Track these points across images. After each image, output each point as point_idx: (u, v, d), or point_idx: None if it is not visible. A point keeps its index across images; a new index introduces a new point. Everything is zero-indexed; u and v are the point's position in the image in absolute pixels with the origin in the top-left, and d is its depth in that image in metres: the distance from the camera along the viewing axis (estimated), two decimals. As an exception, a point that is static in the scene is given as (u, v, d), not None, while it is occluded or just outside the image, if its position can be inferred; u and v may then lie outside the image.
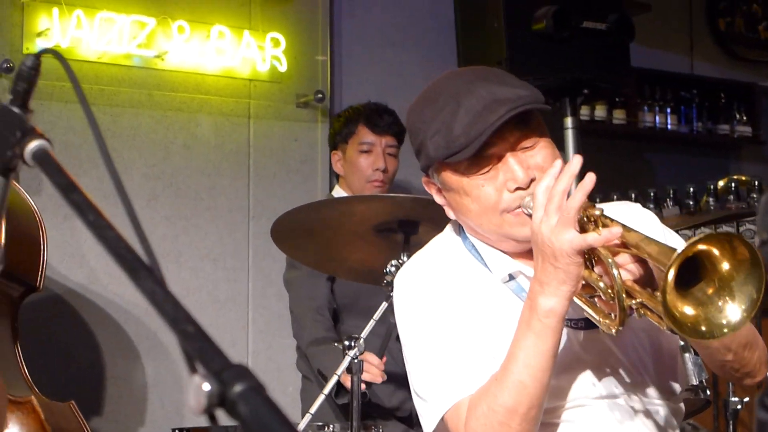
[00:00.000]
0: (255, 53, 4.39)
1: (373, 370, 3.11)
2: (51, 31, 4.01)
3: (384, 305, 2.87)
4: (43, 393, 2.99)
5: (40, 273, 2.95)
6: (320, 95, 4.50)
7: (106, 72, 4.12)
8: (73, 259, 4.02)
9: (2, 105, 1.36)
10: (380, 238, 2.94)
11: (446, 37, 4.83)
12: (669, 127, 5.67)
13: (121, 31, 4.13)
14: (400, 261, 2.85)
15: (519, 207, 1.88)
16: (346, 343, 2.84)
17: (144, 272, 1.10)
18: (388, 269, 2.85)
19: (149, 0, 4.23)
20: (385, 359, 3.17)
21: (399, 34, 4.82)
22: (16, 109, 1.36)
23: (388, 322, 2.90)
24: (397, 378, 3.59)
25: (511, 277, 1.96)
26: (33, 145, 1.31)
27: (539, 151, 1.91)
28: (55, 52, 1.38)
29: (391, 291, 2.84)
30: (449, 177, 1.94)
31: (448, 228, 2.11)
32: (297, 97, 4.52)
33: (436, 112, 1.91)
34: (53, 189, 3.61)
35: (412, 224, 2.88)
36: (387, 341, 3.15)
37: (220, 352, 0.99)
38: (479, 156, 1.88)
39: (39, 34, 4.01)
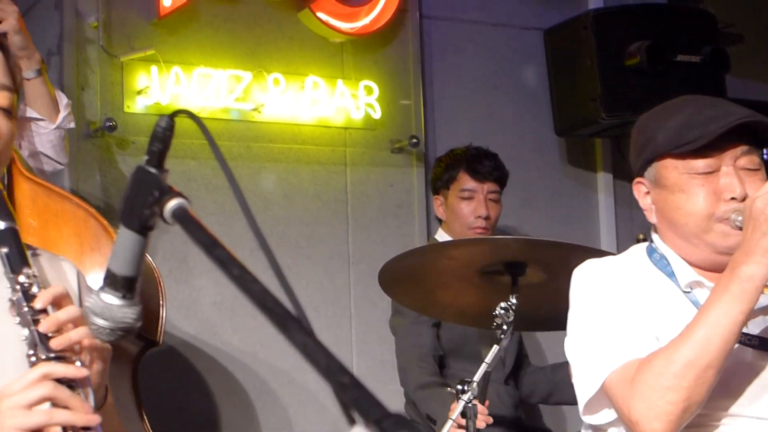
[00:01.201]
0: (349, 102, 4.44)
1: (482, 417, 3.10)
2: (150, 88, 4.10)
3: (495, 348, 2.86)
4: (161, 445, 3.04)
5: (159, 328, 3.01)
6: (415, 140, 4.53)
7: (211, 127, 4.19)
8: (179, 311, 4.08)
9: (139, 166, 1.41)
10: (487, 280, 2.93)
11: (538, 77, 4.85)
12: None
13: (219, 86, 4.20)
14: (509, 303, 2.84)
15: (728, 219, 1.99)
16: (459, 387, 2.83)
17: (293, 324, 1.12)
18: (497, 311, 2.84)
19: (245, 54, 4.31)
20: (487, 403, 3.16)
21: (490, 77, 4.84)
22: (152, 169, 1.40)
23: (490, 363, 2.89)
24: (497, 421, 3.57)
25: (691, 288, 2.05)
26: (172, 203, 1.34)
27: (758, 181, 2.03)
28: (188, 113, 1.42)
29: (501, 334, 2.85)
30: (669, 171, 2.05)
31: (635, 245, 2.22)
32: (392, 143, 4.56)
33: (674, 113, 2.05)
34: (161, 243, 3.67)
35: (519, 266, 2.87)
36: (486, 384, 3.13)
37: (377, 401, 1.01)
38: (706, 154, 2.01)
39: (139, 92, 4.10)
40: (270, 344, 4.18)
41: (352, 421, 1.00)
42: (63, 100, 3.29)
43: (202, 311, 4.14)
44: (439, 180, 3.90)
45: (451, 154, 3.93)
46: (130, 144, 4.09)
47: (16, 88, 1.77)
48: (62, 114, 3.25)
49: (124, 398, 2.90)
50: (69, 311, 1.59)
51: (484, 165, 3.83)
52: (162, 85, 4.11)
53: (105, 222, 2.95)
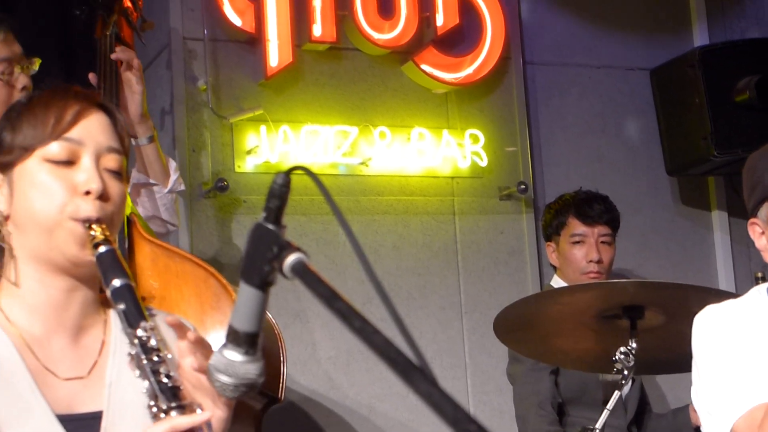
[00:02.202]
0: (455, 151, 4.44)
1: None
2: (260, 147, 4.16)
3: (616, 394, 2.81)
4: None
5: (281, 384, 3.04)
6: (523, 186, 4.51)
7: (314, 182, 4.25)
8: (297, 367, 4.10)
9: (257, 223, 1.43)
10: (605, 325, 2.90)
11: (647, 118, 4.80)
12: None
13: (326, 142, 4.25)
14: (629, 347, 2.79)
15: None
16: (582, 434, 2.79)
17: (417, 374, 1.12)
18: (617, 356, 2.80)
19: (351, 109, 4.35)
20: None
21: (598, 119, 4.81)
22: (270, 226, 1.42)
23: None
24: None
25: None
26: (291, 258, 1.36)
27: None
28: (304, 168, 1.44)
29: (622, 379, 2.80)
30: None
31: (755, 287, 2.20)
32: (500, 190, 4.54)
33: None
34: (274, 299, 3.68)
35: (637, 309, 2.83)
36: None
37: (506, 450, 1.00)
38: None
39: (249, 152, 4.17)
40: (386, 396, 4.17)
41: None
42: (172, 164, 3.38)
43: (319, 366, 4.16)
44: (550, 226, 3.88)
45: (560, 200, 3.91)
46: (242, 203, 4.15)
47: (125, 151, 1.82)
48: (172, 178, 3.33)
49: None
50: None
51: (593, 208, 3.80)
52: (271, 144, 4.17)
53: (224, 281, 2.99)
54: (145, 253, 3.00)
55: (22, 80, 2.96)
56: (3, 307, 1.76)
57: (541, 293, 3.71)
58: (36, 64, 3.02)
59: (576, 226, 3.80)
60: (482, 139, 4.49)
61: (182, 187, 3.43)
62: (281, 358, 3.06)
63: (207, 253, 4.03)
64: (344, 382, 4.18)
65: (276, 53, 4.16)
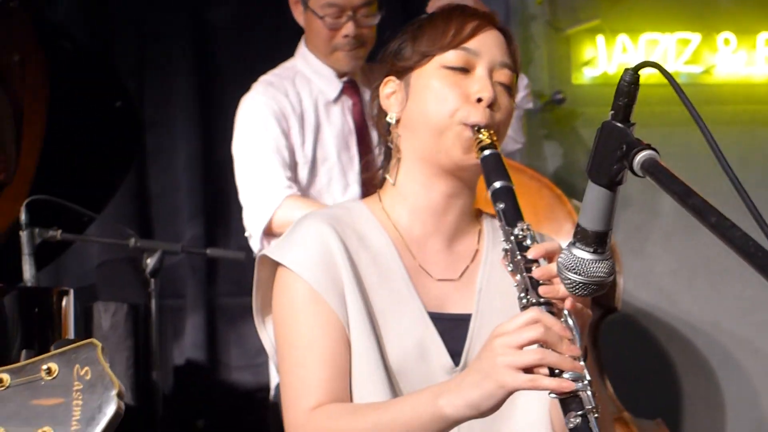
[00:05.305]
0: (807, 56, 4.20)
1: None
2: (597, 59, 4.11)
3: None
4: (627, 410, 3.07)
5: (617, 294, 3.05)
6: None
7: (654, 93, 4.05)
8: (635, 281, 4.06)
9: (605, 121, 1.41)
10: None
11: None
12: None
13: (666, 51, 4.15)
14: None
15: None
16: None
17: (779, 270, 1.08)
18: None
19: (692, 16, 4.20)
20: None
21: None
22: (618, 124, 1.40)
23: None
24: None
25: None
26: (641, 156, 1.34)
27: None
28: (654, 64, 1.41)
29: None
30: None
31: None
32: None
33: None
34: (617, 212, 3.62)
35: None
36: None
37: None
38: None
39: (585, 63, 4.13)
40: (733, 313, 4.05)
41: None
42: (523, 80, 3.35)
43: (658, 280, 4.09)
44: None
45: None
46: (580, 115, 4.12)
47: (516, 69, 1.86)
48: (521, 93, 3.32)
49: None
50: None
51: None
52: (609, 55, 4.11)
53: (558, 191, 3.00)
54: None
55: (347, 28, 2.92)
56: (385, 207, 1.86)
57: None
58: (374, 18, 2.96)
59: None
60: (838, 41, 4.21)
61: (530, 105, 3.43)
62: (616, 268, 3.06)
63: (543, 165, 4.04)
64: (686, 297, 4.10)
65: (613, -39, 4.08)
